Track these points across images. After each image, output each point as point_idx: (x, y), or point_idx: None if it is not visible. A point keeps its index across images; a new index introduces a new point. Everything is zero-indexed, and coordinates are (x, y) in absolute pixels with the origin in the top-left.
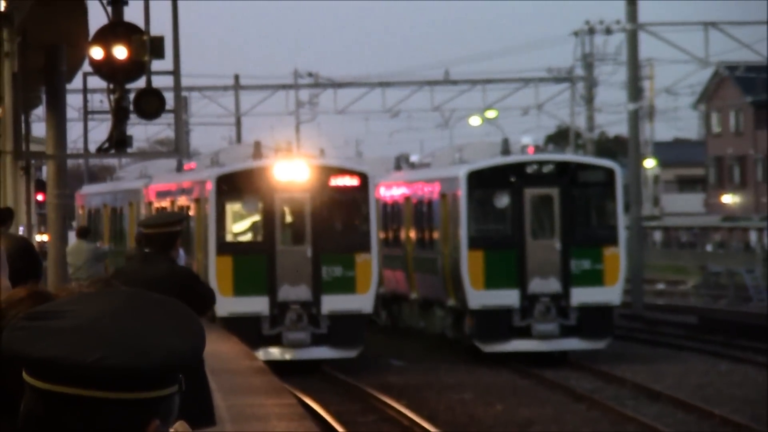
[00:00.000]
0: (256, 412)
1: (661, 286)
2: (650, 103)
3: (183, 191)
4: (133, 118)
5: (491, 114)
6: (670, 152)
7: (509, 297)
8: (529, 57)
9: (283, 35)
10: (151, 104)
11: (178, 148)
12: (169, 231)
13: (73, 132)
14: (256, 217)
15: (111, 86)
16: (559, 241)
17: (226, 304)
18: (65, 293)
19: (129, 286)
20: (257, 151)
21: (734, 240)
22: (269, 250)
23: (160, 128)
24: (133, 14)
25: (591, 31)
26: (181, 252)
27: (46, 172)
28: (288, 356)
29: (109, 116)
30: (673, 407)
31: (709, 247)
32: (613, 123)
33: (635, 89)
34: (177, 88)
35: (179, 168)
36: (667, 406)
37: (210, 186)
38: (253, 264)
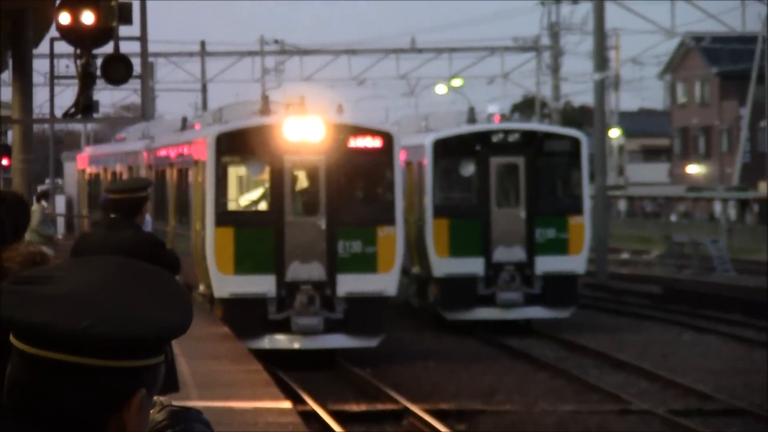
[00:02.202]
0: (222, 378)
1: (625, 256)
2: (616, 73)
3: (182, 153)
4: (99, 83)
5: (457, 82)
6: (635, 122)
7: (474, 265)
8: (496, 26)
9: (250, 2)
10: (118, 70)
11: (144, 114)
12: (135, 197)
13: (39, 97)
14: (263, 183)
15: (78, 51)
16: (524, 210)
17: (226, 284)
18: (14, 253)
19: (94, 252)
20: (265, 106)
21: (699, 210)
22: (277, 222)
23: (127, 94)
24: None
25: (557, 1)
26: (148, 218)
27: (11, 136)
28: (297, 344)
29: (75, 81)
30: (636, 376)
31: (673, 217)
32: (579, 92)
33: (601, 59)
34: (144, 54)
35: (184, 127)
36: (631, 376)
37: (208, 146)
38: (258, 237)
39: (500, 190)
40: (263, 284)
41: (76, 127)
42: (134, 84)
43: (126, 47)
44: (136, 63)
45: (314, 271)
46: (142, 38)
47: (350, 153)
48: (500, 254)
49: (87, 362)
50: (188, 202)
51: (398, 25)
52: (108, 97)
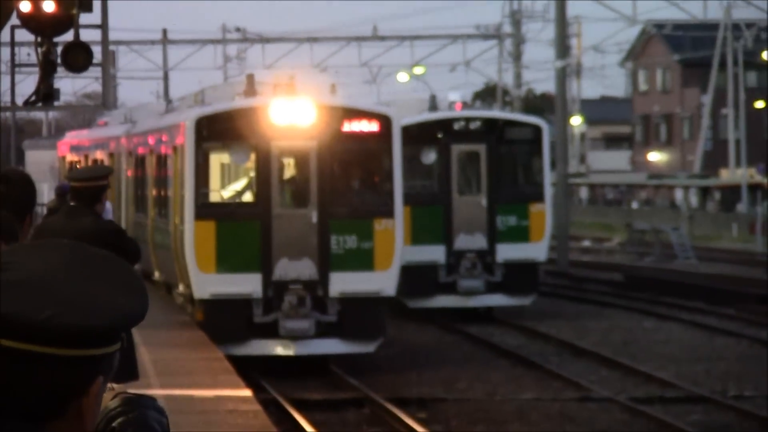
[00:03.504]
0: (183, 367)
1: (586, 243)
2: (577, 61)
3: (161, 139)
4: (60, 71)
5: (419, 70)
6: (597, 110)
7: (435, 253)
8: (458, 14)
9: None
10: (78, 58)
11: (105, 102)
12: (96, 185)
13: (1, 85)
14: (247, 171)
15: (39, 39)
16: (486, 198)
17: (207, 284)
18: None
19: None
20: (250, 86)
21: (660, 198)
22: (263, 215)
23: (88, 82)
24: None
25: None
26: (108, 205)
27: None
28: (286, 351)
29: (37, 70)
30: (597, 364)
31: (635, 205)
32: (541, 80)
33: (562, 47)
34: (105, 41)
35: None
36: (592, 363)
37: (187, 131)
38: (243, 232)
39: (462, 177)
40: (248, 284)
41: (38, 115)
42: (96, 72)
43: (87, 35)
44: (98, 51)
45: (304, 269)
46: (103, 26)
47: (344, 138)
48: (461, 242)
49: (48, 351)
50: (168, 192)
51: (360, 12)
52: (70, 85)
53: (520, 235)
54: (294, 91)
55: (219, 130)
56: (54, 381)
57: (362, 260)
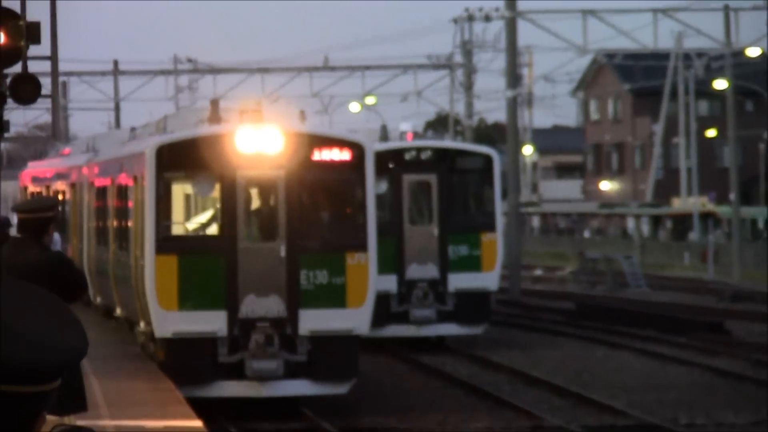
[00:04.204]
0: (133, 397)
1: (539, 272)
2: (529, 90)
3: (121, 167)
4: (10, 102)
5: (370, 100)
6: (548, 139)
7: (387, 282)
8: (409, 44)
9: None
10: (27, 89)
11: (55, 133)
12: (42, 216)
13: None
14: (212, 203)
15: None
16: (437, 227)
17: (169, 322)
18: None
19: None
20: (214, 113)
21: (612, 226)
22: (229, 248)
23: (40, 113)
24: None
25: (470, 18)
26: (56, 236)
27: None
28: (253, 392)
29: None
30: (549, 393)
31: (587, 234)
32: (493, 110)
33: (514, 76)
34: (54, 73)
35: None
36: (544, 392)
37: (148, 160)
38: (207, 266)
39: (413, 207)
40: (212, 322)
41: None
42: (47, 103)
43: (38, 66)
44: (47, 82)
45: (272, 306)
46: (53, 57)
47: (314, 167)
48: (413, 271)
49: (1, 388)
50: (129, 224)
51: (311, 43)
52: (21, 116)
53: (472, 264)
54: (261, 117)
55: (181, 159)
56: (5, 418)
57: (334, 297)
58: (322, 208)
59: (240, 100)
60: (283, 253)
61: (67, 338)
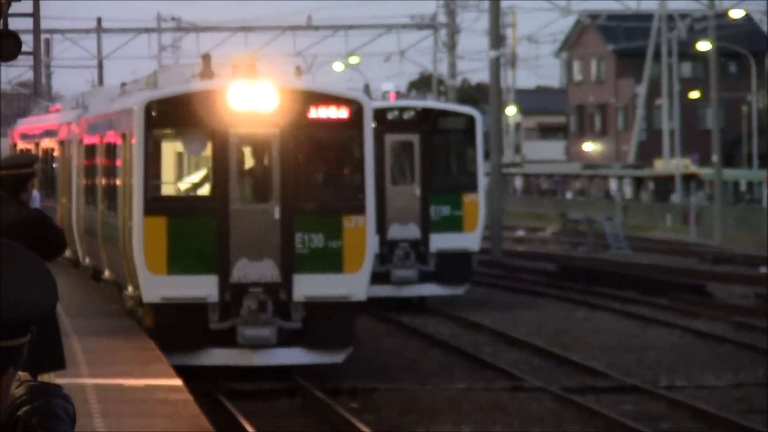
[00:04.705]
0: (113, 356)
1: (520, 233)
2: (512, 51)
3: (110, 125)
4: None
5: (354, 60)
6: (531, 100)
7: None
8: (392, 3)
9: None
10: (7, 46)
11: (37, 91)
12: (20, 173)
13: None
14: (203, 162)
15: None
16: (419, 188)
17: (157, 286)
18: None
19: None
20: (206, 68)
21: (594, 188)
22: (220, 210)
23: (23, 70)
24: None
25: None
26: (36, 194)
27: None
28: (245, 361)
29: None
30: (530, 353)
31: (569, 195)
32: (476, 70)
33: (497, 37)
34: (36, 30)
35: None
36: (525, 353)
37: (136, 117)
38: (197, 229)
39: (395, 167)
40: (203, 286)
41: None
42: (30, 60)
43: (20, 23)
44: (29, 39)
45: (266, 270)
46: (35, 14)
47: (310, 125)
48: (395, 232)
49: None
50: (117, 184)
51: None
52: (4, 74)
53: (454, 224)
54: (255, 73)
55: (171, 116)
56: None
57: (330, 261)
58: (318, 169)
59: (233, 55)
60: (277, 215)
61: (34, 294)
